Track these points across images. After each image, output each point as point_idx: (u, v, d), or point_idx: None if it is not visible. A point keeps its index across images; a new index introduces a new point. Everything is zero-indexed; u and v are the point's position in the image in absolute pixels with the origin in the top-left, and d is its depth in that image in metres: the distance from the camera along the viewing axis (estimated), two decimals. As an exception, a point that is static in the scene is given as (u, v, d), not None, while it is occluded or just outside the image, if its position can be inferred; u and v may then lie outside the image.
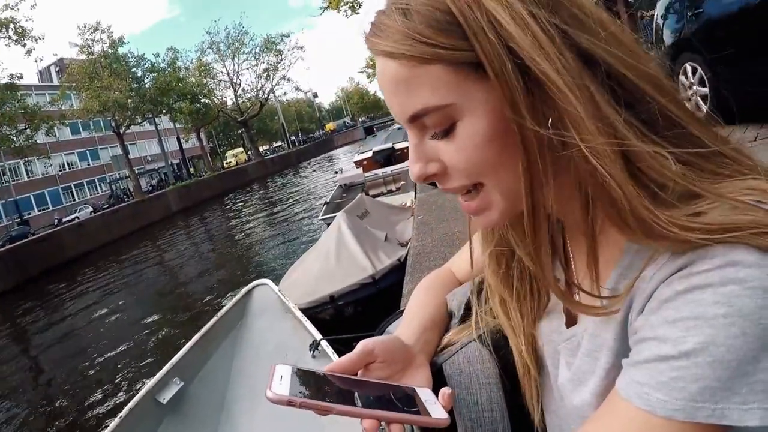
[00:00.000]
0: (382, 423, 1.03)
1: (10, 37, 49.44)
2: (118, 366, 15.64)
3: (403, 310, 1.54)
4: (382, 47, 0.93)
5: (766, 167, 0.92)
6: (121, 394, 13.42)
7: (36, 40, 51.11)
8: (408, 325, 1.40)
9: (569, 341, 1.10)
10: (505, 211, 1.00)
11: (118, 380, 14.61)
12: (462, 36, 0.87)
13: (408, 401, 1.06)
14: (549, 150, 0.88)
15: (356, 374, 1.15)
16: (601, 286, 0.98)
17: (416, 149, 0.99)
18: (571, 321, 1.13)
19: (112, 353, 17.01)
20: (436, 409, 1.05)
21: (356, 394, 1.03)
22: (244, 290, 7.00)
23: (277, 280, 10.10)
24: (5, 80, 49.76)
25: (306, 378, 1.03)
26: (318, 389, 1.00)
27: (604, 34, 0.88)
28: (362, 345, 1.17)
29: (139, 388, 5.82)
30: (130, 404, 5.46)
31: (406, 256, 8.67)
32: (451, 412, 1.10)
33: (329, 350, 5.85)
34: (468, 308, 1.41)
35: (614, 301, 0.93)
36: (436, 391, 1.14)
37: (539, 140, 0.87)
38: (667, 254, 0.85)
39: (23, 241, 43.10)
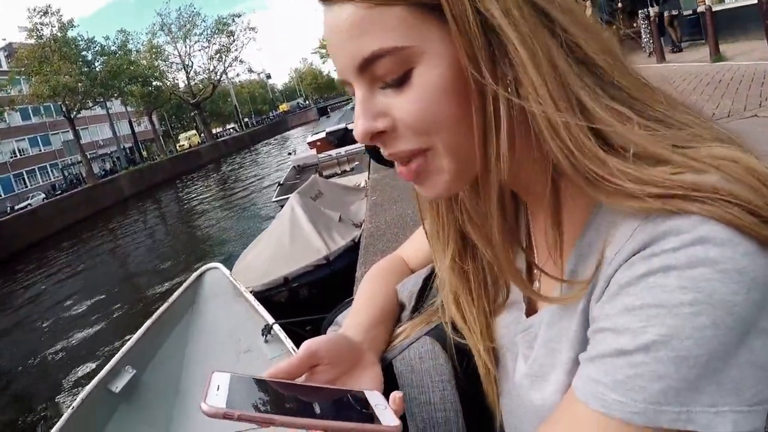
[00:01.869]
0: None
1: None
2: (70, 356, 15.55)
3: (352, 300, 1.46)
4: None
5: (727, 133, 0.84)
6: (73, 384, 13.35)
7: (-17, 25, 50.41)
8: (355, 319, 1.32)
9: (527, 332, 1.02)
10: (454, 177, 0.90)
11: (69, 370, 14.53)
12: None
13: (357, 407, 1.00)
14: (508, 111, 0.81)
15: (301, 378, 1.07)
16: (559, 275, 0.91)
17: (364, 104, 0.89)
18: (531, 311, 1.06)
19: (64, 343, 16.94)
20: (386, 415, 0.99)
21: (299, 401, 0.97)
22: (194, 275, 6.91)
23: (231, 263, 10.08)
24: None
25: (246, 386, 0.95)
26: (259, 398, 0.93)
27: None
28: (306, 347, 1.08)
29: (91, 378, 5.73)
30: (82, 394, 5.39)
31: (361, 236, 8.67)
32: (402, 414, 1.03)
33: (282, 334, 5.81)
34: (420, 299, 1.36)
35: (575, 288, 0.87)
36: (387, 390, 1.09)
37: (496, 98, 0.81)
38: (628, 232, 0.77)
39: (-26, 229, 42.47)
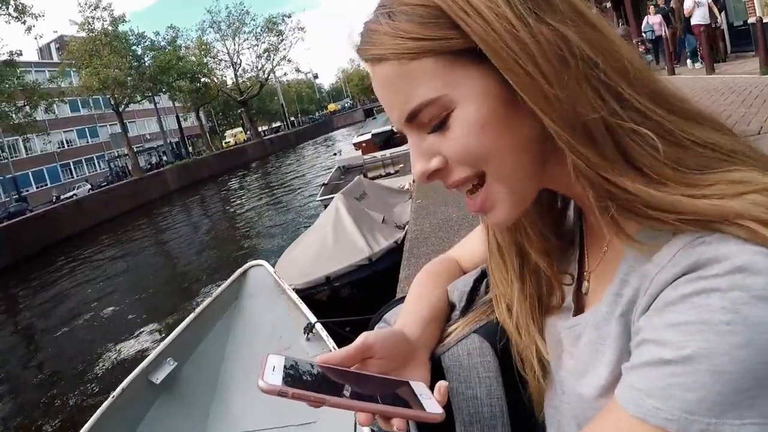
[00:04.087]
0: (376, 416, 0.99)
1: (10, 14, 49.28)
2: (113, 345, 15.76)
3: (401, 298, 1.49)
4: (372, 52, 0.94)
5: (756, 153, 0.90)
6: (115, 373, 13.44)
7: (36, 17, 50.97)
8: (410, 317, 1.34)
9: (572, 329, 1.06)
10: (512, 203, 0.97)
11: (112, 360, 14.75)
12: (449, 25, 0.87)
13: (401, 395, 1.04)
14: (539, 134, 0.90)
15: (351, 365, 1.11)
16: (608, 281, 0.97)
17: (417, 148, 0.98)
18: (578, 311, 1.09)
19: (107, 332, 17.18)
20: (430, 403, 1.03)
21: (349, 386, 1.00)
22: (239, 271, 6.99)
23: (274, 260, 10.10)
24: (5, 57, 49.49)
25: (299, 369, 1.00)
26: (311, 380, 0.97)
27: (578, 19, 0.88)
28: (363, 339, 1.12)
29: (133, 368, 5.79)
30: (123, 384, 5.47)
31: (404, 238, 8.66)
32: (448, 407, 1.08)
33: (323, 333, 5.84)
34: (470, 300, 1.37)
35: (620, 297, 0.92)
36: (433, 385, 1.11)
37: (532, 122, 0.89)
38: (669, 254, 0.81)
39: (21, 217, 43.08)
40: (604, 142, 0.85)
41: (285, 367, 0.98)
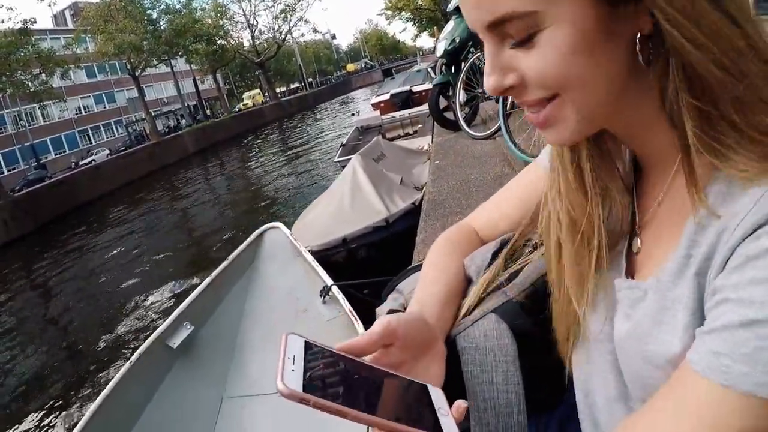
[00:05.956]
0: None
1: (22, -18, 49.29)
2: (130, 310, 15.98)
3: (414, 267, 1.47)
4: None
5: None
6: (133, 338, 13.71)
7: (49, -16, 50.97)
8: (426, 294, 1.30)
9: (631, 290, 0.99)
10: (576, 129, 0.93)
11: (129, 325, 14.94)
12: None
13: (420, 407, 0.99)
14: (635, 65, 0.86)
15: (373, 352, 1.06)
16: (672, 239, 0.92)
17: (493, 59, 0.91)
18: (630, 271, 1.04)
19: (125, 298, 17.36)
20: (448, 422, 0.97)
21: (371, 392, 0.96)
22: (255, 234, 7.01)
23: (291, 222, 10.10)
24: (19, 26, 49.44)
25: (320, 363, 0.95)
26: (333, 383, 0.92)
27: None
28: (385, 324, 1.06)
29: (151, 333, 5.82)
30: (141, 349, 5.51)
31: (422, 200, 8.60)
32: (462, 391, 1.08)
33: (339, 296, 5.86)
34: None
35: (694, 255, 0.85)
36: (449, 366, 1.11)
37: (631, 51, 0.86)
38: (749, 202, 0.76)
39: (41, 184, 43.38)
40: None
41: (305, 360, 0.93)
